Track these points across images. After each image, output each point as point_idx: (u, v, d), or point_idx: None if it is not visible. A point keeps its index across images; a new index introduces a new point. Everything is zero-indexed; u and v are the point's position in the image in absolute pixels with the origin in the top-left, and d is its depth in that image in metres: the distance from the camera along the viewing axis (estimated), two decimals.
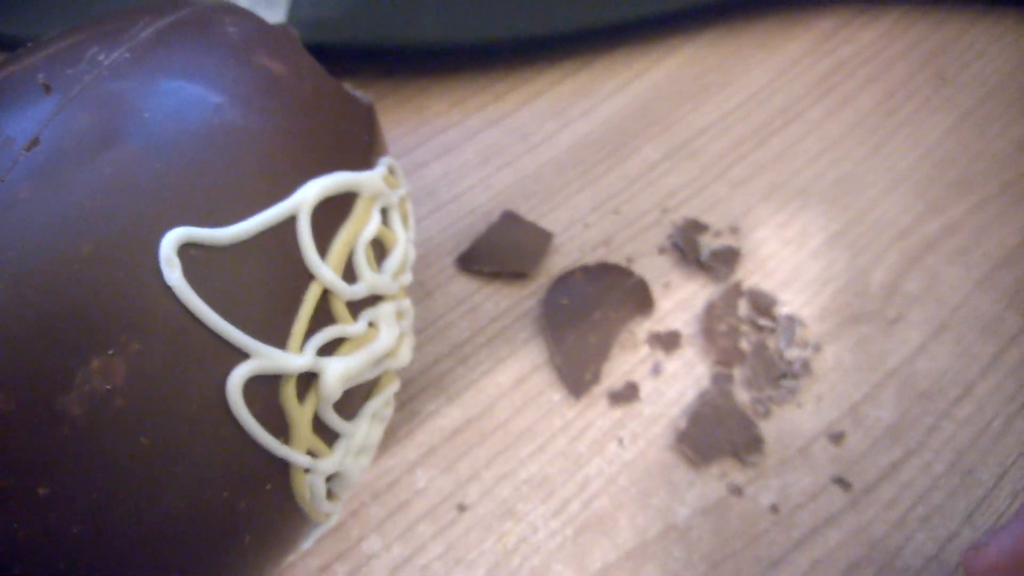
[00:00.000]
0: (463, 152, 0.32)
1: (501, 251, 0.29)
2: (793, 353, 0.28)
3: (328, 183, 0.17)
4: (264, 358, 0.16)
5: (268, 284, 0.16)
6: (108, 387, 0.14)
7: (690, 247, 0.30)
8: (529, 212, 0.31)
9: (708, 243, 0.30)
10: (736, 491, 0.26)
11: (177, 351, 0.15)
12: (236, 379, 0.15)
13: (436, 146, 0.32)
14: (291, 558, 0.24)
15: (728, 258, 0.30)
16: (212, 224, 0.15)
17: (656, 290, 0.29)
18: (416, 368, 0.27)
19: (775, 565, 0.25)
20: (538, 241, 0.29)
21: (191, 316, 0.15)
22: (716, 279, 0.30)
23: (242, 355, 0.15)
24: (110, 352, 0.14)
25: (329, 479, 0.18)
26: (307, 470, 0.17)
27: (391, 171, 0.21)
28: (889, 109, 0.35)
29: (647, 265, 0.30)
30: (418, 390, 0.27)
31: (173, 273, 0.15)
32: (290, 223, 0.17)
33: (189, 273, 0.15)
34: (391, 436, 0.26)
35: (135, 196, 0.15)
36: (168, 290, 0.15)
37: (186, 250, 0.15)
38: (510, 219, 0.30)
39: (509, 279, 0.29)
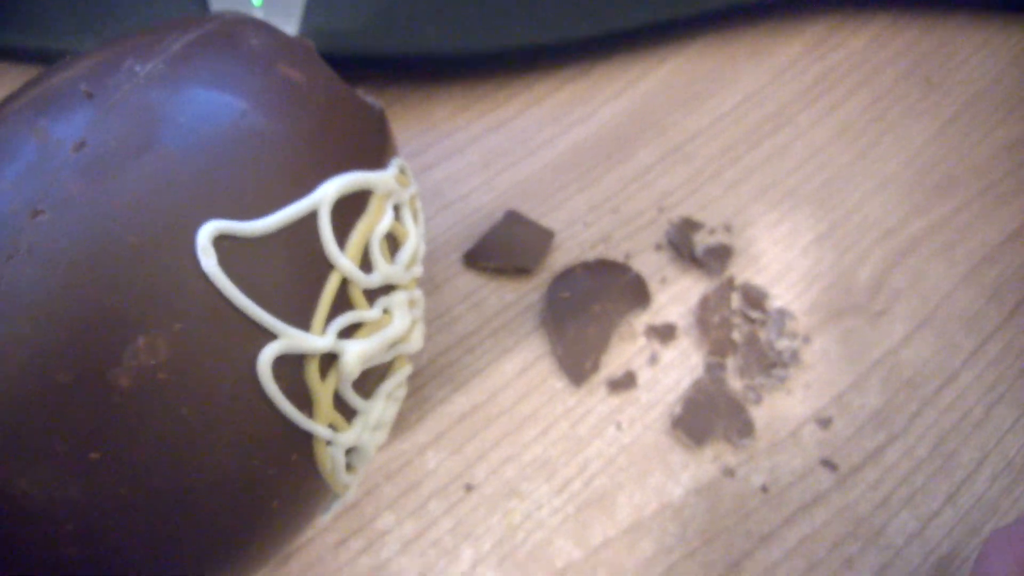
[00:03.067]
0: (467, 155, 0.34)
1: (505, 248, 0.30)
2: (783, 344, 0.30)
3: (345, 181, 0.19)
4: (290, 339, 0.17)
5: (293, 272, 0.18)
6: (153, 362, 0.16)
7: (685, 244, 0.31)
8: (530, 212, 0.32)
9: (702, 240, 0.32)
10: (728, 472, 0.27)
11: (213, 331, 0.16)
12: (266, 357, 0.17)
13: (441, 150, 0.34)
14: (310, 533, 0.25)
15: (721, 254, 0.31)
16: (242, 218, 0.17)
17: (653, 285, 0.31)
18: (426, 357, 0.29)
19: (765, 540, 0.26)
20: (540, 239, 0.31)
21: (225, 300, 0.16)
22: (710, 274, 0.31)
23: (271, 336, 0.17)
24: (155, 331, 0.16)
25: (348, 452, 0.20)
26: (328, 442, 0.19)
27: (402, 171, 0.22)
28: (876, 114, 0.36)
29: (644, 261, 0.31)
30: (428, 378, 0.28)
31: (209, 261, 0.16)
32: (311, 218, 0.18)
33: (223, 261, 0.16)
34: (403, 422, 0.27)
35: (173, 192, 0.17)
36: (205, 277, 0.16)
37: (220, 241, 0.17)
38: (513, 218, 0.31)
39: (513, 275, 0.31)
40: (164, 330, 0.16)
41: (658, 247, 0.32)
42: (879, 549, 0.26)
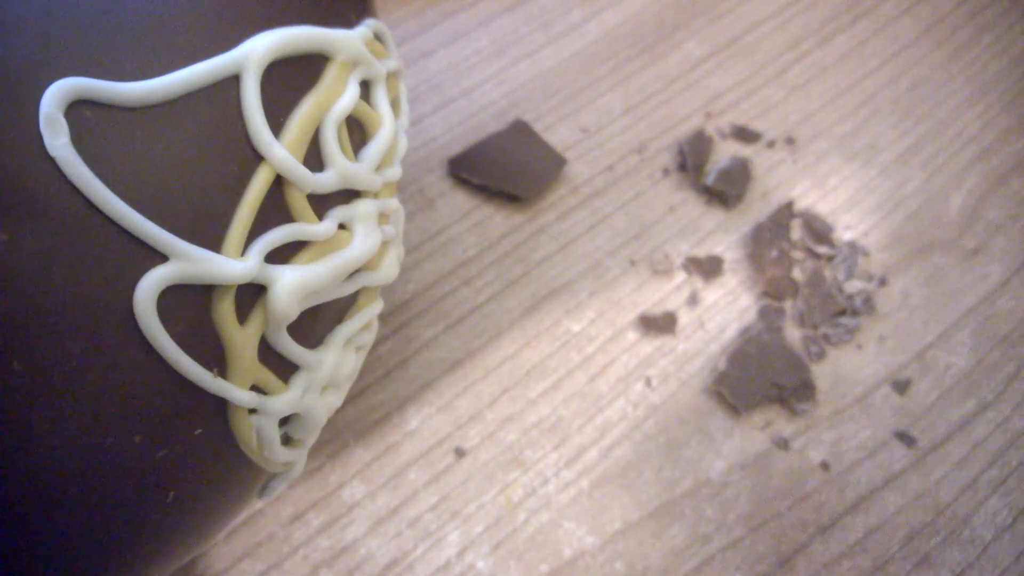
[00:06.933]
0: (475, 40, 0.28)
1: (500, 165, 0.25)
2: (854, 286, 0.24)
3: (286, 36, 0.13)
4: (189, 261, 0.12)
5: (197, 164, 0.12)
6: None
7: (696, 163, 0.25)
8: (551, 112, 0.27)
9: (717, 161, 0.26)
10: (782, 444, 0.22)
11: (62, 247, 0.11)
12: (147, 288, 0.11)
13: (443, 32, 0.28)
14: (248, 511, 0.20)
15: (737, 178, 0.25)
16: (119, 76, 0.11)
17: (695, 208, 0.25)
18: (412, 288, 0.24)
19: (824, 531, 0.22)
20: (547, 164, 0.25)
21: (83, 200, 0.11)
22: (726, 207, 0.25)
23: (158, 256, 0.11)
24: None
25: (286, 421, 0.15)
26: (253, 410, 0.13)
27: (378, 36, 0.17)
28: (972, 8, 0.31)
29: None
30: (413, 314, 0.23)
31: (58, 140, 0.11)
32: (231, 85, 0.12)
33: (82, 141, 0.11)
34: (380, 366, 0.22)
35: (9, 31, 0.11)
36: (51, 163, 0.11)
37: (79, 109, 0.11)
38: (521, 131, 0.25)
39: (504, 200, 0.25)
40: None
41: (665, 171, 0.26)
42: (962, 544, 0.22)
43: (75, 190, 0.11)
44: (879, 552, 0.21)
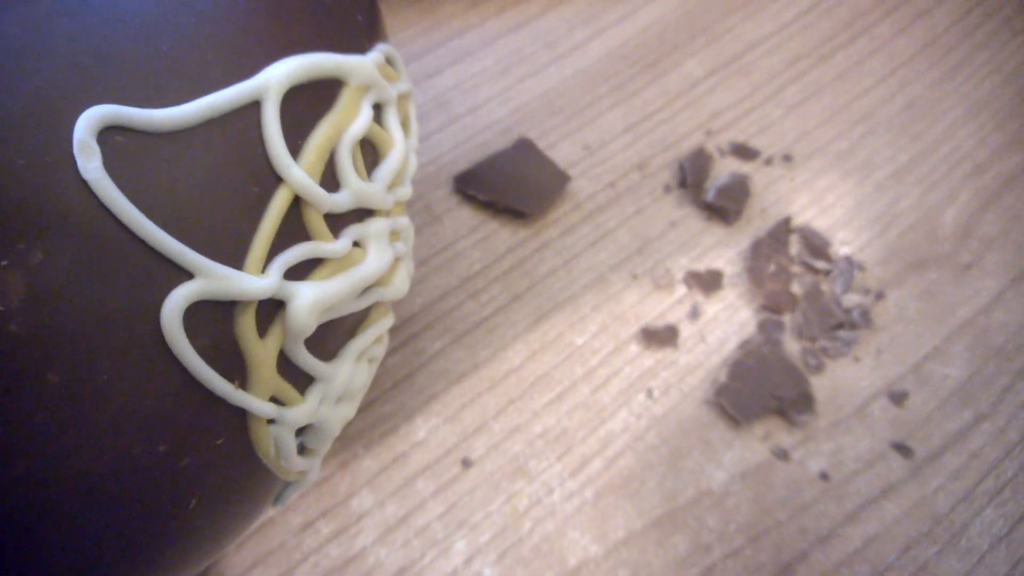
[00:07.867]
0: (480, 60, 0.28)
1: (505, 181, 0.25)
2: (851, 300, 0.25)
3: (303, 63, 0.14)
4: (213, 279, 0.12)
5: (221, 186, 0.12)
6: (1, 308, 0.11)
7: (697, 180, 0.26)
8: (554, 130, 0.27)
9: (716, 177, 0.26)
10: (781, 455, 0.23)
11: (95, 265, 0.11)
12: (174, 304, 0.12)
13: (450, 52, 0.29)
14: (269, 512, 0.21)
15: (737, 194, 0.26)
16: (147, 103, 0.12)
17: (695, 223, 0.26)
18: (420, 302, 0.24)
19: (823, 540, 0.22)
20: (551, 181, 0.26)
21: (114, 221, 0.11)
22: (726, 223, 0.26)
23: (184, 274, 0.12)
24: (3, 263, 0.11)
25: (301, 431, 0.15)
26: (271, 421, 0.14)
27: (389, 61, 0.17)
28: (967, 28, 0.31)
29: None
30: (421, 327, 0.24)
31: (91, 164, 0.11)
32: (252, 110, 0.13)
33: (113, 165, 0.11)
34: (388, 378, 0.23)
35: (44, 62, 0.11)
36: (84, 186, 0.11)
37: (110, 135, 0.12)
38: (525, 148, 0.26)
39: (509, 216, 0.26)
40: (18, 262, 0.11)
41: (666, 188, 0.26)
42: (960, 553, 0.22)
43: (106, 211, 0.11)
44: (878, 561, 0.22)
